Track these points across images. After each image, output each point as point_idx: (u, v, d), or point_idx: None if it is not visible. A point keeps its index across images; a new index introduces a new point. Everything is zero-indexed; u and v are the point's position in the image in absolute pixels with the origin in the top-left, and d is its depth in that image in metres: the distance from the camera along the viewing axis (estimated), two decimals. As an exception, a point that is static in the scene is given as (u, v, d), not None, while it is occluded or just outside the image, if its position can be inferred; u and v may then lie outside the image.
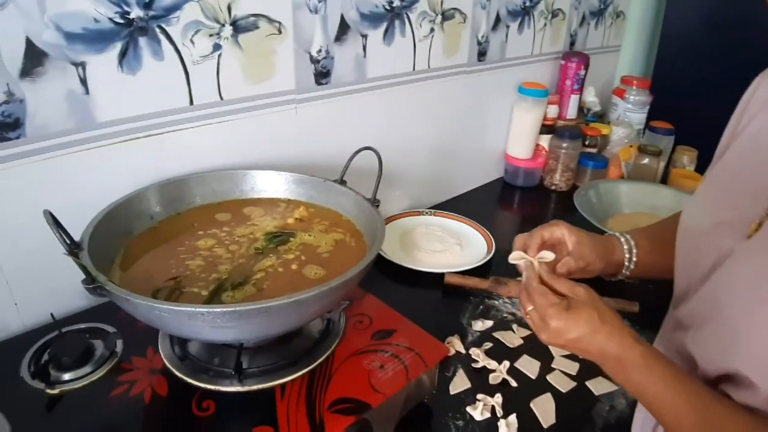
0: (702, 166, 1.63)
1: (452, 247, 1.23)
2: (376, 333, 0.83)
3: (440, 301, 1.09)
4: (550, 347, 0.95)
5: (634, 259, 0.92)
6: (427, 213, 1.36)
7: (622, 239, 0.93)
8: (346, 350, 0.79)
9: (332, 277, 0.70)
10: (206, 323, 0.62)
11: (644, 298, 1.07)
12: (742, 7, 1.71)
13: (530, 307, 0.73)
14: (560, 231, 0.88)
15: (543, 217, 1.53)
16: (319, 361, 0.76)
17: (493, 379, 0.89)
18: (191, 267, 0.77)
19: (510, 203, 1.61)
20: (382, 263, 1.15)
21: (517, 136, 1.58)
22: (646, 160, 1.58)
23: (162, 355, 0.77)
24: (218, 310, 0.60)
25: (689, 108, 1.82)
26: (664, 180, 1.64)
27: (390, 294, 1.03)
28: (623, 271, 0.93)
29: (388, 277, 1.14)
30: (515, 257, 0.81)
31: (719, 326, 0.65)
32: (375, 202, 0.84)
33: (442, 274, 1.12)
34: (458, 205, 1.47)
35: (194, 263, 0.77)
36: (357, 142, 0.92)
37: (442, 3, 1.22)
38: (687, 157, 1.65)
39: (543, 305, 0.71)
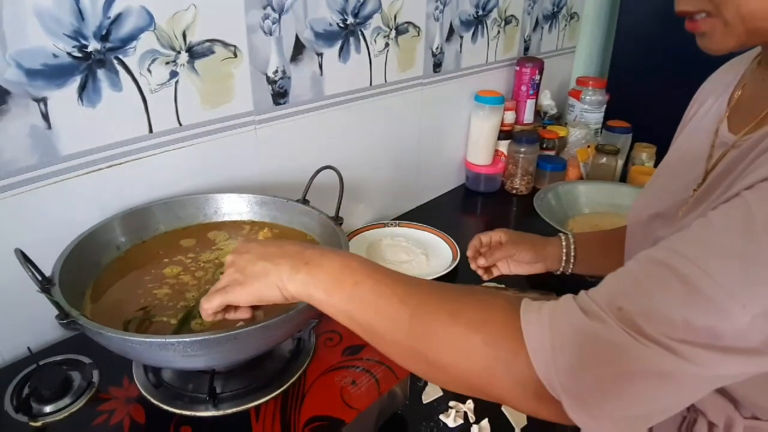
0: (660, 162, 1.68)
1: (418, 257, 1.25)
2: (346, 349, 0.84)
3: (409, 312, 1.11)
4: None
5: (573, 254, 1.02)
6: (391, 224, 1.38)
7: (562, 236, 1.04)
8: (318, 368, 0.81)
9: (299, 298, 0.71)
10: (177, 353, 0.63)
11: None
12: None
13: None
14: (498, 234, 1.04)
15: (506, 221, 1.57)
16: (291, 381, 0.77)
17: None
18: (159, 296, 0.77)
19: (473, 209, 1.64)
20: (351, 277, 1.16)
21: (476, 143, 1.61)
22: (604, 160, 1.62)
23: (137, 383, 0.78)
24: (187, 339, 0.61)
25: (647, 105, 1.86)
26: (624, 178, 1.69)
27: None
28: (563, 264, 1.03)
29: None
30: None
31: None
32: (338, 221, 0.86)
33: (409, 285, 1.14)
34: (423, 214, 1.49)
35: (162, 292, 0.78)
36: (319, 159, 0.94)
37: (395, 18, 1.24)
38: (646, 154, 1.69)
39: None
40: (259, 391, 0.76)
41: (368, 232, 1.34)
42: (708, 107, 0.76)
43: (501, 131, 1.63)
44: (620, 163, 1.66)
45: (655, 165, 1.68)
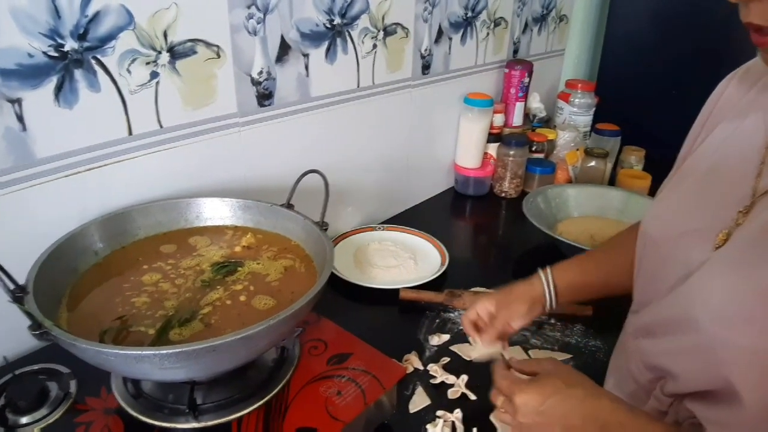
0: (650, 165, 1.67)
1: (406, 262, 1.23)
2: (331, 358, 0.82)
3: (397, 318, 1.09)
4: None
5: (554, 295, 0.91)
6: (380, 228, 1.36)
7: (541, 273, 0.93)
8: (302, 378, 0.78)
9: (282, 306, 0.69)
10: (154, 365, 0.60)
11: (597, 303, 1.09)
12: (686, 6, 1.76)
13: (501, 399, 0.70)
14: (483, 307, 0.92)
15: (495, 225, 1.56)
16: (274, 392, 0.75)
17: (452, 394, 0.89)
18: (137, 304, 0.75)
19: (462, 213, 1.62)
20: (337, 282, 1.14)
21: (465, 146, 1.60)
22: (593, 163, 1.61)
23: (116, 394, 0.75)
24: (164, 351, 0.58)
25: (636, 108, 1.86)
26: (613, 181, 1.68)
27: (346, 313, 1.02)
28: (545, 305, 0.92)
29: (343, 296, 1.13)
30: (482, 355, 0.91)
31: (695, 341, 0.64)
32: (323, 226, 0.83)
33: (397, 290, 1.12)
34: (411, 218, 1.48)
35: (140, 300, 0.75)
36: (304, 162, 0.92)
37: (383, 19, 1.22)
38: (634, 157, 1.68)
39: (507, 386, 0.69)
40: (242, 402, 0.73)
41: (356, 236, 1.32)
42: (740, 121, 0.72)
43: (490, 134, 1.62)
44: (609, 166, 1.65)
45: (644, 168, 1.67)
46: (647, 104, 1.86)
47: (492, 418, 0.85)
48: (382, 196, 1.44)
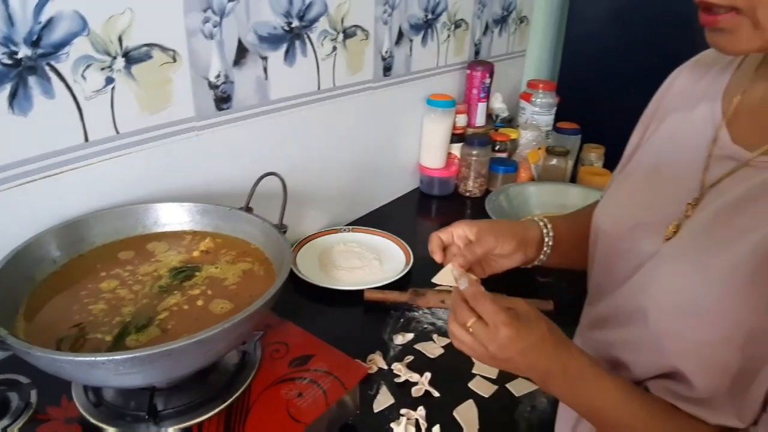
0: (609, 162, 1.70)
1: (371, 263, 1.23)
2: (293, 360, 0.82)
3: (362, 319, 1.09)
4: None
5: (551, 242, 0.88)
6: (345, 230, 1.36)
7: (537, 219, 0.90)
8: (264, 381, 0.78)
9: (240, 310, 0.68)
10: (109, 371, 0.60)
11: (558, 297, 1.11)
12: (645, 6, 1.79)
13: (472, 320, 0.66)
14: (460, 228, 0.83)
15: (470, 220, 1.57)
16: (235, 396, 0.75)
17: (416, 392, 0.90)
18: (94, 312, 0.74)
19: (427, 213, 1.64)
20: (301, 285, 1.14)
21: (428, 146, 1.61)
22: (554, 161, 1.64)
23: (76, 403, 0.74)
24: (119, 357, 0.58)
25: (596, 106, 1.89)
26: (575, 178, 1.70)
27: (310, 316, 1.03)
28: (544, 250, 0.88)
29: (307, 299, 1.13)
30: (443, 276, 0.79)
31: (645, 332, 0.65)
32: (282, 228, 0.83)
33: (362, 291, 1.12)
34: (377, 219, 1.49)
35: (97, 307, 0.75)
36: (265, 165, 0.92)
37: (342, 21, 1.23)
38: (594, 155, 1.71)
39: (493, 311, 0.65)
40: (203, 407, 0.73)
41: (321, 239, 1.32)
42: (688, 112, 0.73)
43: (453, 134, 1.64)
44: (570, 163, 1.68)
45: (605, 165, 1.70)
46: (607, 103, 1.89)
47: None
48: (347, 197, 1.44)
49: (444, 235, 0.83)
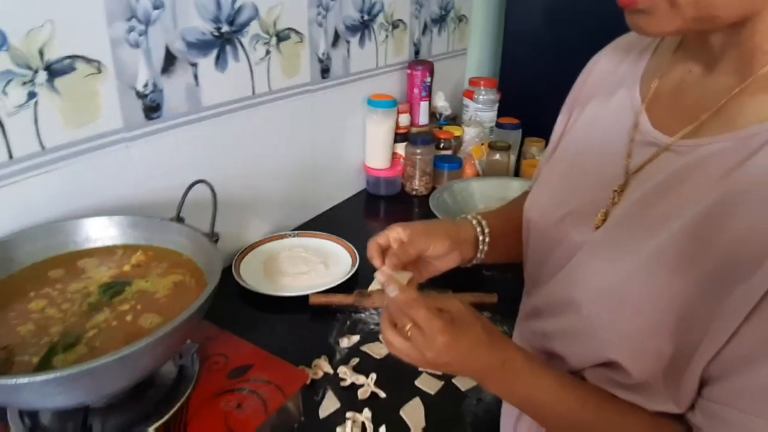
0: (549, 155, 1.72)
1: (317, 267, 1.22)
2: (232, 371, 0.80)
3: (307, 324, 1.08)
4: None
5: (487, 239, 0.86)
6: (290, 235, 1.35)
7: (470, 218, 0.88)
8: (202, 394, 0.76)
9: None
10: (34, 393, 0.58)
11: (502, 289, 1.12)
12: (579, 1, 1.82)
13: (408, 326, 0.64)
14: (395, 231, 0.81)
15: (407, 222, 1.56)
16: (172, 411, 0.73)
17: (362, 394, 0.89)
18: (22, 333, 0.71)
19: (375, 213, 1.63)
20: (246, 294, 1.12)
21: (372, 147, 1.61)
22: (497, 156, 1.65)
23: (12, 428, 0.71)
24: (39, 379, 0.56)
25: (536, 101, 1.90)
26: (518, 172, 1.72)
27: (255, 325, 1.02)
28: (480, 248, 0.86)
29: (252, 307, 1.11)
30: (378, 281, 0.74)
31: (578, 322, 0.65)
32: (213, 237, 0.82)
33: (307, 297, 1.11)
34: (324, 222, 1.47)
35: (25, 328, 0.72)
36: (200, 174, 0.89)
37: (275, 24, 1.21)
38: (535, 148, 1.73)
39: (427, 318, 0.63)
40: (140, 425, 0.71)
41: (266, 245, 1.31)
42: (608, 98, 0.73)
43: (397, 134, 1.64)
44: (513, 158, 1.69)
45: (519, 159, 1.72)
46: (546, 97, 1.88)
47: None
48: (292, 202, 1.43)
49: (381, 239, 0.81)
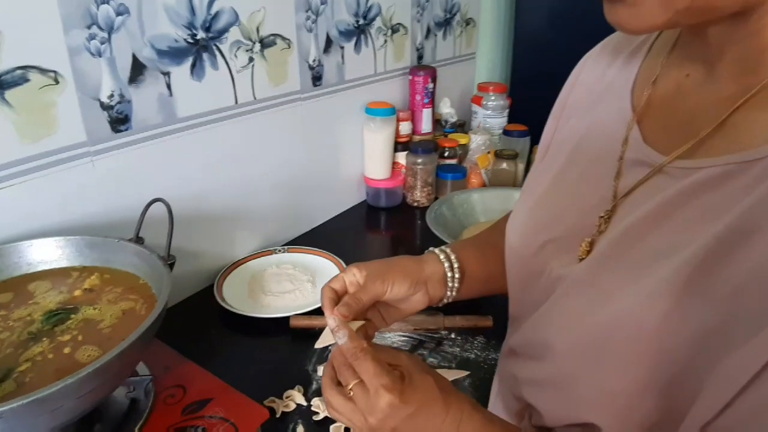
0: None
1: (303, 285, 1.15)
2: (188, 406, 0.74)
3: (287, 349, 1.00)
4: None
5: (457, 275, 0.75)
6: (279, 251, 1.28)
7: (437, 252, 0.77)
8: (153, 430, 0.70)
9: (107, 357, 0.60)
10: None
11: (498, 312, 1.03)
12: (587, 3, 1.74)
13: (353, 382, 0.57)
14: (350, 273, 0.70)
15: (410, 236, 1.49)
16: (116, 451, 0.67)
17: (335, 430, 0.81)
18: (-44, 365, 0.66)
19: (375, 226, 1.56)
20: (225, 315, 1.06)
21: (371, 157, 1.54)
22: (504, 165, 1.57)
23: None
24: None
25: (546, 107, 1.81)
26: (526, 182, 1.64)
27: (231, 349, 0.95)
28: (450, 285, 0.75)
29: (232, 330, 1.04)
30: (327, 337, 0.65)
31: (553, 372, 0.57)
32: (168, 260, 0.75)
33: (288, 318, 1.04)
34: (319, 236, 1.41)
35: (-40, 360, 0.66)
36: (177, 190, 0.83)
37: (258, 30, 1.15)
38: (544, 156, 1.64)
39: (374, 372, 0.56)
40: (83, 465, 0.65)
41: (253, 262, 1.24)
42: (596, 108, 0.63)
43: (398, 143, 1.57)
44: (521, 167, 1.61)
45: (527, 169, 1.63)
46: (553, 103, 1.83)
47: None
48: (283, 216, 1.36)
49: (336, 284, 0.69)
